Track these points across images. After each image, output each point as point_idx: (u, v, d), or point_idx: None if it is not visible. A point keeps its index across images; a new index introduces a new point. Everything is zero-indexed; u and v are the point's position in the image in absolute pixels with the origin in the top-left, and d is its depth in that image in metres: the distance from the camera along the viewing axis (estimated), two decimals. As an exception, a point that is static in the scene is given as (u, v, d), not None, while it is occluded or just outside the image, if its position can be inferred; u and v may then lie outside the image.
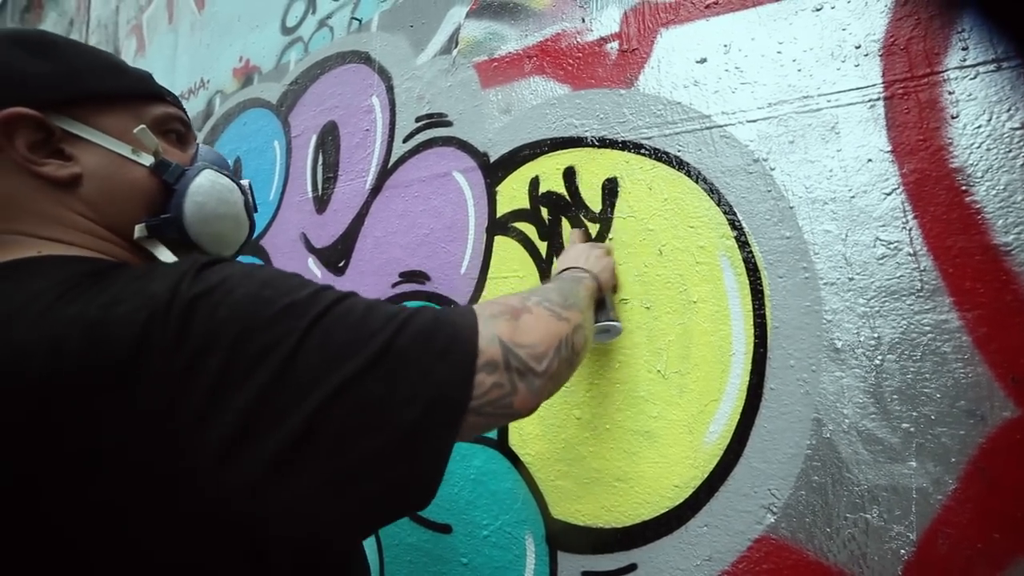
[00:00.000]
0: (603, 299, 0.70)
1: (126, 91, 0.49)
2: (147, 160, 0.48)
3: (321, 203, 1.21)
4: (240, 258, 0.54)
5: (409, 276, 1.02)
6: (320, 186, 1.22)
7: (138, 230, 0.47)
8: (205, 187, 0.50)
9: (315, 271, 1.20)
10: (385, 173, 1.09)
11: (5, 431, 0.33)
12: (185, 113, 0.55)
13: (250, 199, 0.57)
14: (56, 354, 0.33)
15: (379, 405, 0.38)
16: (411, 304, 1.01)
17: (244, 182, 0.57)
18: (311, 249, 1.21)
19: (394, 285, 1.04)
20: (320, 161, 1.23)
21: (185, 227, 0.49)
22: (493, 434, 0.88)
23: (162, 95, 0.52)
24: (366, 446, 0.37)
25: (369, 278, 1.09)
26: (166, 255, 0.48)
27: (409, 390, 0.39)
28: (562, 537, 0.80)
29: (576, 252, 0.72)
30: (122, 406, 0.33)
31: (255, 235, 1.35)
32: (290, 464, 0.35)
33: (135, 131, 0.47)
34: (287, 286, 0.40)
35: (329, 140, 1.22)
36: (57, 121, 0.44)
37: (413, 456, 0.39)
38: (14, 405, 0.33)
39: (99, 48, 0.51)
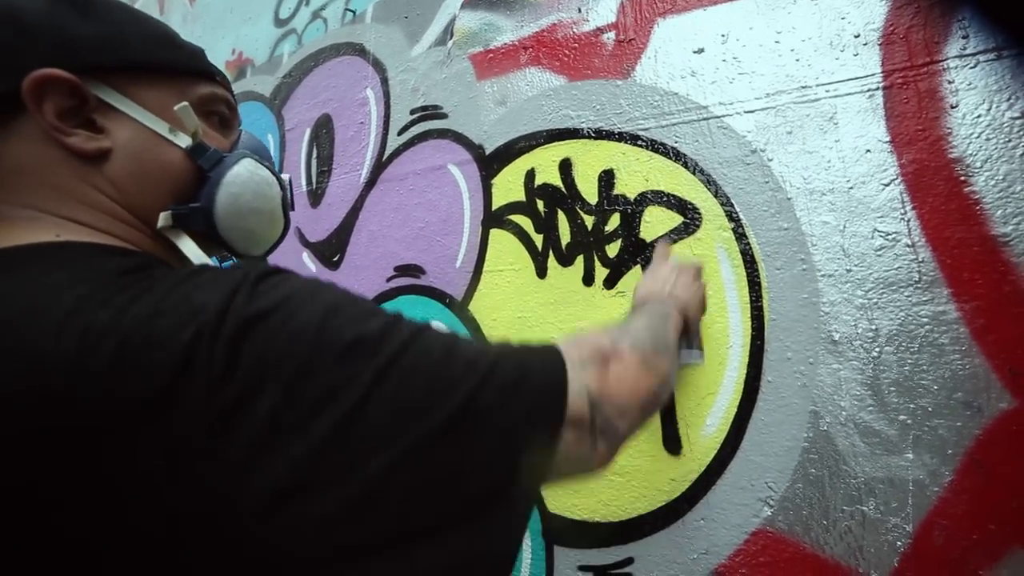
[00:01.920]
0: (688, 329, 0.63)
1: (174, 65, 0.44)
2: (184, 141, 0.43)
3: (315, 197, 1.20)
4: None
5: (404, 270, 1.02)
6: (314, 180, 1.21)
7: (163, 218, 0.43)
8: (243, 177, 0.46)
9: (310, 266, 1.19)
10: (380, 166, 1.08)
11: (12, 448, 0.28)
12: (233, 95, 0.50)
13: (289, 195, 0.52)
14: (81, 372, 0.29)
15: (452, 471, 0.33)
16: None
17: (284, 176, 0.52)
18: (305, 243, 1.20)
19: (389, 279, 1.04)
20: (314, 155, 1.22)
21: (215, 220, 0.44)
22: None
23: (212, 74, 0.47)
24: (431, 513, 0.33)
25: (364, 272, 1.08)
26: (191, 248, 0.44)
27: (487, 456, 0.35)
28: (558, 531, 0.79)
29: (662, 276, 0.64)
30: (154, 438, 0.29)
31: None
32: (344, 526, 0.31)
33: (176, 108, 0.42)
34: (357, 314, 0.35)
35: (323, 133, 1.20)
36: (94, 89, 0.40)
37: (483, 528, 0.35)
38: (25, 422, 0.29)
39: (154, 17, 0.46)
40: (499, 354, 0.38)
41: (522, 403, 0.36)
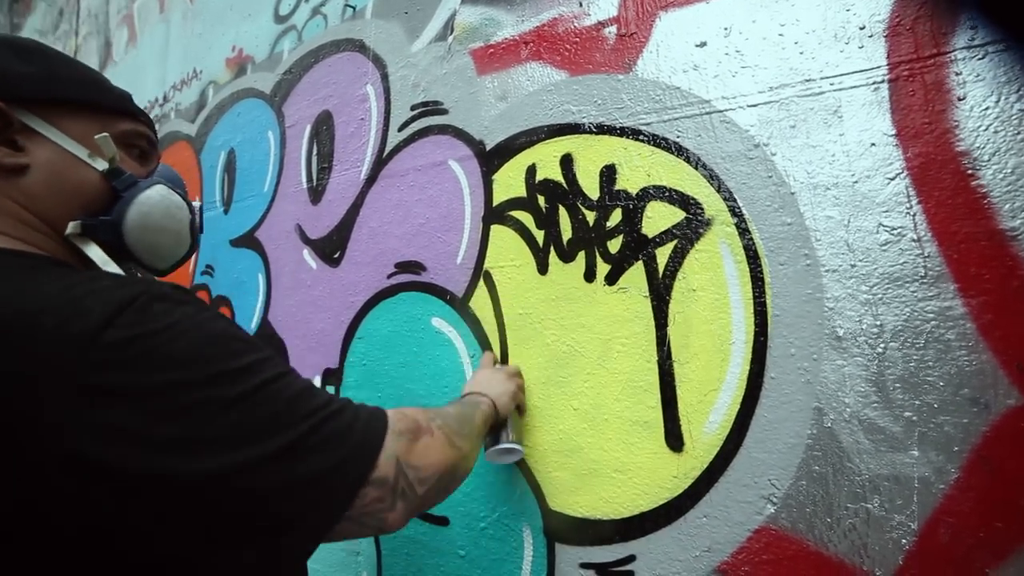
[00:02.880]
0: (504, 421, 0.75)
1: (99, 103, 0.51)
2: (101, 165, 0.49)
3: (316, 194, 1.19)
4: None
5: (405, 266, 1.01)
6: (315, 176, 1.20)
7: (71, 226, 0.48)
8: (154, 199, 0.52)
9: (310, 262, 1.18)
10: (380, 163, 1.07)
11: None
12: (155, 135, 0.57)
13: (197, 220, 0.59)
14: None
15: (265, 495, 0.40)
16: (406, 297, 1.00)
17: (195, 203, 0.59)
18: (306, 240, 1.19)
19: (389, 276, 1.03)
20: (314, 151, 1.21)
21: (123, 232, 0.50)
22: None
23: (135, 114, 0.54)
24: (234, 528, 0.39)
25: (364, 269, 1.07)
26: (97, 253, 0.49)
27: (296, 490, 0.41)
28: (560, 529, 0.79)
29: (479, 378, 0.77)
30: (24, 403, 0.34)
31: (248, 230, 1.33)
32: (149, 531, 0.37)
33: (96, 137, 0.48)
34: (230, 350, 0.41)
35: (323, 130, 1.20)
36: (19, 115, 0.46)
37: (271, 547, 0.41)
38: None
39: (89, 66, 0.54)
40: (337, 409, 0.45)
41: (341, 453, 0.43)
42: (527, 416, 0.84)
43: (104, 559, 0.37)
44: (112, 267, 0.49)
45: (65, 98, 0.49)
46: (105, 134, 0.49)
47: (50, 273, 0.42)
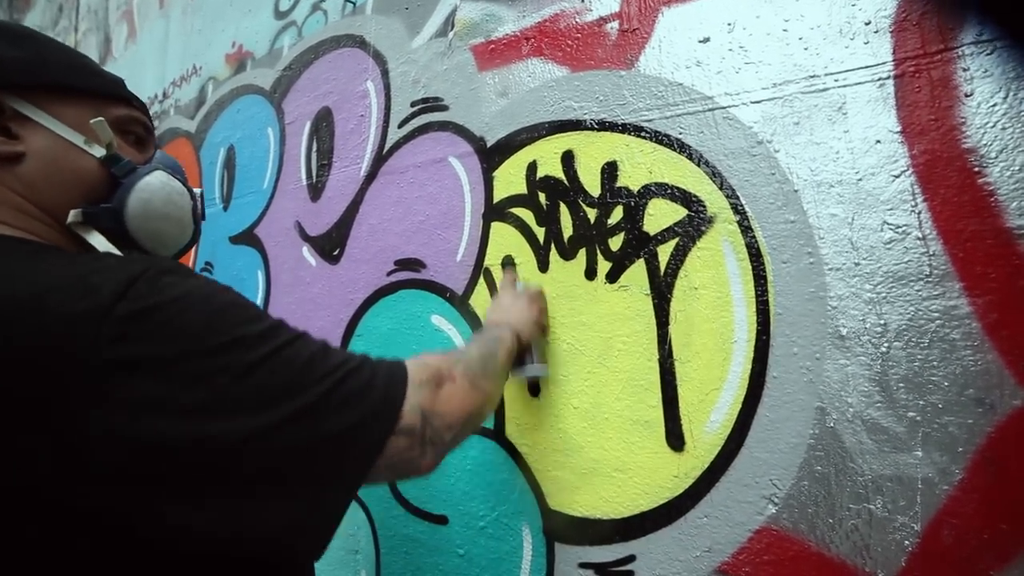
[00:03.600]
0: (529, 346, 0.75)
1: (92, 88, 0.50)
2: (98, 152, 0.48)
3: (315, 191, 1.19)
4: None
5: (404, 264, 1.01)
6: (314, 173, 1.20)
7: (72, 214, 0.47)
8: (154, 185, 0.51)
9: (309, 260, 1.18)
10: (380, 159, 1.07)
11: None
12: (151, 121, 0.56)
13: (199, 206, 0.58)
14: None
15: (295, 453, 0.41)
16: (405, 293, 1.00)
17: (196, 190, 0.58)
18: (305, 237, 1.19)
19: (389, 273, 1.03)
20: (314, 148, 1.21)
21: (125, 219, 0.49)
22: (490, 424, 0.87)
23: (129, 99, 0.54)
24: (272, 486, 0.40)
25: (364, 266, 1.07)
26: (100, 241, 0.48)
27: (325, 447, 0.42)
28: (559, 528, 0.78)
29: (502, 304, 0.76)
30: (42, 380, 0.34)
31: (247, 227, 1.33)
32: (199, 493, 0.38)
33: (92, 122, 0.48)
34: (241, 318, 0.42)
35: (323, 126, 1.19)
36: (11, 102, 0.45)
37: (312, 502, 0.42)
38: None
39: (82, 52, 0.53)
40: (355, 367, 0.46)
41: (362, 409, 0.44)
42: (525, 412, 0.83)
43: (150, 535, 0.37)
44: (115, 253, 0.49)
45: (57, 83, 0.48)
46: (100, 119, 0.48)
47: (54, 257, 0.41)
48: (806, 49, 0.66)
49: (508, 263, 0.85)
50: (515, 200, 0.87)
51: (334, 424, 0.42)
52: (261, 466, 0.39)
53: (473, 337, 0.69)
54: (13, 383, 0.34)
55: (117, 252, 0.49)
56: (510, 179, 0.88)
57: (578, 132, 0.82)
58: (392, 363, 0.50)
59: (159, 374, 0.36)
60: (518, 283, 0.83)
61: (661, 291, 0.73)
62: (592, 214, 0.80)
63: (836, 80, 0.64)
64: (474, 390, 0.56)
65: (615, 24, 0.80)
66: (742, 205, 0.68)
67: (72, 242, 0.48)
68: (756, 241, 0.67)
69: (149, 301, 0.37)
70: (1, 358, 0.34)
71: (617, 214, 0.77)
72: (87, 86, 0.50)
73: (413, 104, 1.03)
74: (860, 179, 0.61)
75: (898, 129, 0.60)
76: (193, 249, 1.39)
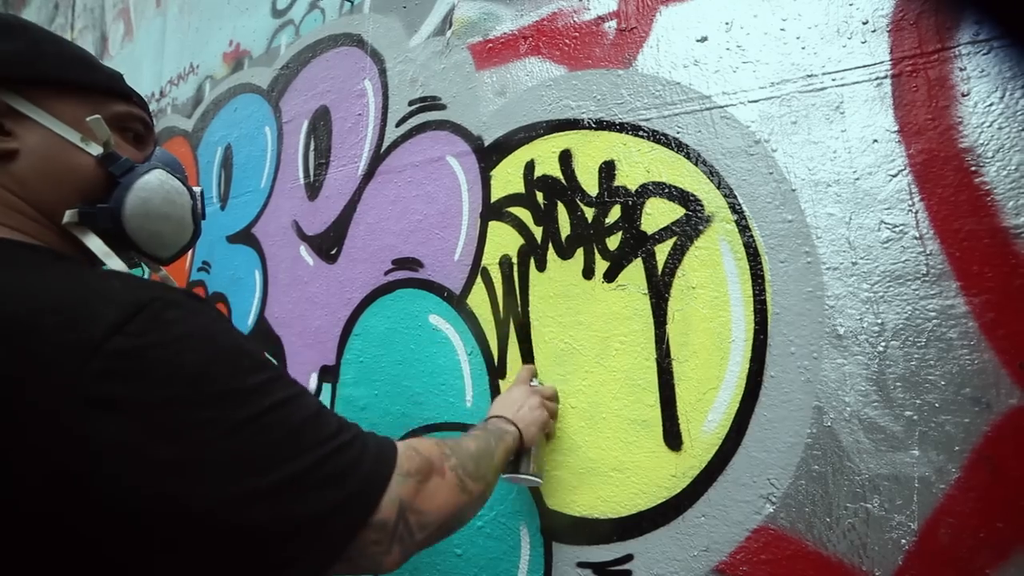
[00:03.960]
0: (529, 450, 0.71)
1: (89, 83, 0.48)
2: (96, 150, 0.47)
3: (313, 190, 1.18)
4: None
5: (402, 263, 1.00)
6: (312, 172, 1.19)
7: (68, 215, 0.46)
8: (152, 184, 0.49)
9: (307, 259, 1.17)
10: (378, 158, 1.06)
11: None
12: (150, 118, 0.54)
13: (199, 205, 0.56)
14: None
15: (263, 531, 0.38)
16: (403, 292, 1.00)
17: (196, 189, 0.57)
18: (303, 236, 1.19)
19: (387, 272, 1.02)
20: (312, 147, 1.20)
21: (123, 220, 0.47)
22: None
23: (128, 95, 0.52)
24: (227, 561, 0.37)
25: (361, 265, 1.06)
26: (96, 244, 0.47)
27: (294, 529, 0.39)
28: (557, 528, 0.78)
29: (512, 398, 0.72)
30: (29, 406, 0.33)
31: (244, 226, 1.32)
32: (148, 554, 0.35)
33: (88, 119, 0.46)
34: (240, 366, 0.39)
35: (321, 125, 1.19)
36: (5, 97, 0.44)
37: None
38: None
39: (78, 45, 0.50)
40: (345, 442, 0.43)
41: (341, 492, 0.41)
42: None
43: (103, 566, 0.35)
44: (114, 259, 0.48)
45: (54, 78, 0.46)
46: (97, 116, 0.46)
47: (55, 269, 0.40)
48: (803, 48, 0.66)
49: (527, 365, 0.82)
50: (513, 199, 0.87)
51: (309, 505, 0.39)
52: (221, 541, 0.36)
53: (475, 427, 0.66)
54: None
55: (116, 259, 0.47)
56: (508, 178, 0.88)
57: (576, 131, 0.82)
58: (383, 443, 0.47)
59: (138, 419, 0.34)
60: (534, 380, 0.79)
61: (659, 290, 0.73)
62: (590, 213, 0.79)
63: (833, 79, 0.64)
64: (461, 491, 0.52)
65: (613, 23, 0.80)
66: (740, 204, 0.68)
67: (67, 243, 0.47)
68: (754, 240, 0.67)
69: (147, 339, 0.35)
70: None
71: (615, 213, 0.77)
72: (84, 81, 0.48)
73: (411, 103, 1.03)
74: (857, 178, 0.61)
75: (895, 128, 0.60)
76: (193, 248, 1.38)
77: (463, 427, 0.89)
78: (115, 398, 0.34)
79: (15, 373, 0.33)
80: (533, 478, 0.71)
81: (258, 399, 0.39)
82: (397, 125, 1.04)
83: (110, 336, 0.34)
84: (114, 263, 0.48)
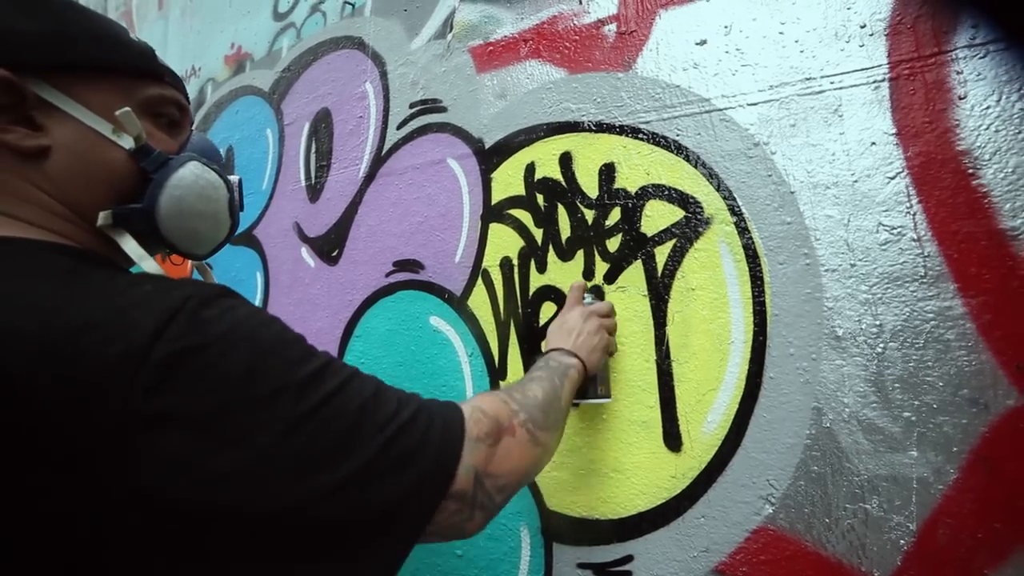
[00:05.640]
0: (594, 376, 0.69)
1: (120, 65, 0.44)
2: (127, 143, 0.44)
3: (314, 192, 1.19)
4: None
5: (403, 265, 1.01)
6: (313, 174, 1.20)
7: (102, 217, 0.43)
8: (187, 180, 0.46)
9: (308, 261, 1.18)
10: (379, 161, 1.07)
11: None
12: (185, 96, 0.51)
13: (236, 197, 0.53)
14: (2, 375, 0.31)
15: (339, 523, 0.37)
16: (405, 293, 1.00)
17: (233, 178, 0.53)
18: (304, 238, 1.19)
19: (388, 274, 1.03)
20: (313, 149, 1.21)
21: (157, 221, 0.45)
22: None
23: (160, 74, 0.48)
24: (312, 555, 0.36)
25: (362, 267, 1.07)
26: (132, 246, 0.45)
27: (373, 516, 0.38)
28: (557, 529, 0.79)
29: (569, 325, 0.68)
30: (73, 434, 0.31)
31: (245, 228, 1.33)
32: (226, 564, 0.34)
33: (117, 113, 0.43)
34: (288, 360, 0.38)
35: (322, 128, 1.19)
36: (33, 86, 0.40)
37: (356, 570, 0.38)
38: None
39: (102, 14, 0.46)
40: (409, 418, 0.41)
41: (415, 473, 0.40)
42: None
43: None
44: (148, 262, 0.45)
45: (84, 62, 0.42)
46: (127, 109, 0.43)
47: (91, 276, 0.38)
48: (802, 51, 0.66)
49: (577, 282, 0.77)
50: (513, 201, 0.88)
51: (384, 491, 0.38)
52: (300, 538, 0.35)
53: (537, 364, 0.63)
54: (38, 424, 0.31)
55: (150, 261, 0.45)
56: (508, 180, 0.89)
57: (576, 134, 0.83)
58: (447, 411, 0.45)
59: (195, 431, 0.33)
60: (587, 297, 0.75)
61: (658, 292, 0.73)
62: (590, 215, 0.80)
63: (832, 82, 0.64)
64: (533, 445, 0.51)
65: (613, 26, 0.81)
66: (739, 207, 0.69)
67: (102, 243, 0.44)
68: (753, 242, 0.67)
69: (188, 341, 0.34)
70: (29, 396, 0.31)
71: (615, 215, 0.78)
72: (115, 63, 0.44)
73: (412, 105, 1.03)
74: (856, 181, 0.62)
75: (893, 131, 0.60)
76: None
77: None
78: (168, 413, 0.32)
79: (64, 398, 0.31)
80: (603, 400, 0.71)
81: (312, 391, 0.37)
82: (398, 127, 1.05)
83: (152, 344, 0.33)
84: (149, 266, 0.45)
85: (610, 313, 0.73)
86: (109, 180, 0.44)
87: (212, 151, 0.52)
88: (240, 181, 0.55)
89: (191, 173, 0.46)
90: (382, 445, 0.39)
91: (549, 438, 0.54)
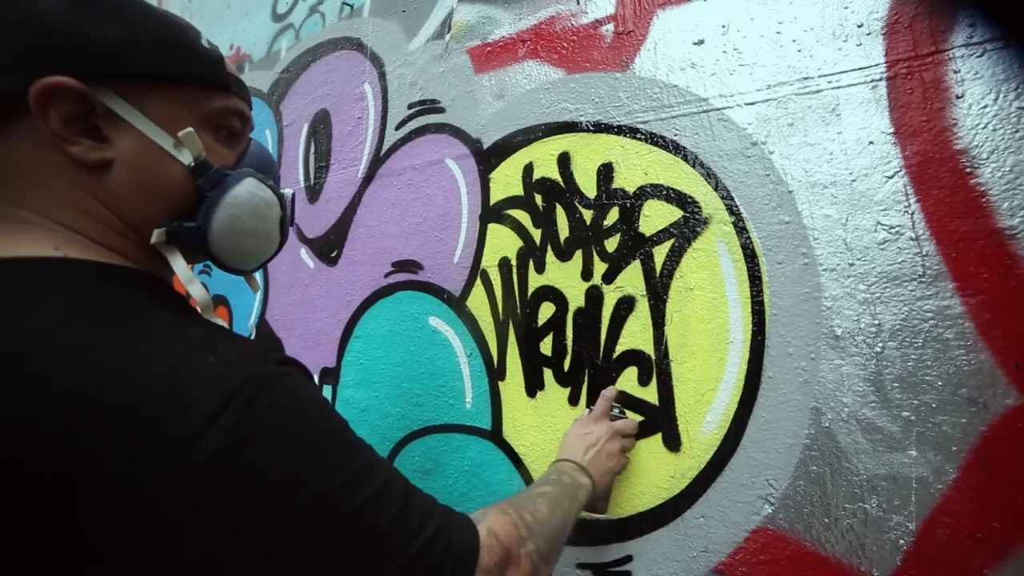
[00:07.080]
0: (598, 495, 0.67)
1: (187, 75, 0.43)
2: (187, 158, 0.43)
3: (313, 193, 1.19)
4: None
5: (402, 265, 1.01)
6: (312, 175, 1.20)
7: (156, 235, 0.43)
8: (242, 198, 0.45)
9: (307, 261, 1.18)
10: (377, 161, 1.07)
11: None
12: (249, 103, 0.50)
13: (288, 213, 0.52)
14: (57, 427, 0.31)
15: None
16: (406, 293, 1.00)
17: (287, 192, 0.52)
18: (303, 239, 1.19)
19: (387, 275, 1.03)
20: (312, 150, 1.21)
21: (209, 240, 0.45)
22: (487, 425, 0.87)
23: (227, 84, 0.46)
24: None
25: (361, 268, 1.07)
26: (181, 267, 0.45)
27: None
28: (557, 529, 0.78)
29: (591, 439, 0.67)
30: (113, 504, 0.31)
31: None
32: None
33: (180, 134, 0.42)
34: (331, 461, 0.38)
35: (321, 129, 1.19)
36: (102, 97, 0.39)
37: None
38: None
39: (176, 17, 0.44)
40: (431, 537, 0.41)
41: None
42: (523, 413, 0.83)
43: None
44: (195, 286, 0.45)
45: (153, 73, 0.41)
46: (190, 130, 0.42)
47: (153, 324, 0.37)
48: (799, 51, 0.66)
49: (610, 387, 0.74)
50: (511, 202, 0.88)
51: None
52: None
53: (551, 478, 0.61)
54: (88, 487, 0.31)
55: (197, 284, 0.45)
56: (506, 181, 0.89)
57: (574, 134, 0.83)
58: (465, 534, 0.45)
59: (229, 534, 0.33)
60: (614, 408, 0.73)
61: (657, 292, 0.73)
62: (588, 215, 0.80)
63: (829, 82, 0.64)
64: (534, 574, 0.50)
65: (610, 26, 0.81)
66: (737, 206, 0.69)
67: (153, 261, 0.44)
68: (751, 242, 0.67)
69: (239, 433, 0.33)
70: (84, 460, 0.31)
71: (613, 215, 0.78)
72: (183, 72, 0.43)
73: (410, 106, 1.03)
74: (854, 180, 0.62)
75: (891, 130, 0.60)
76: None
77: (463, 428, 0.90)
78: (209, 508, 0.32)
79: (116, 472, 0.31)
80: (600, 516, 0.70)
81: (350, 498, 0.37)
82: (396, 128, 1.05)
83: (205, 431, 0.32)
84: (196, 291, 0.45)
85: (632, 433, 0.72)
86: (165, 196, 0.43)
87: (268, 163, 0.52)
88: (293, 196, 0.54)
89: (246, 191, 0.46)
90: (404, 567, 0.39)
91: (549, 570, 0.54)
